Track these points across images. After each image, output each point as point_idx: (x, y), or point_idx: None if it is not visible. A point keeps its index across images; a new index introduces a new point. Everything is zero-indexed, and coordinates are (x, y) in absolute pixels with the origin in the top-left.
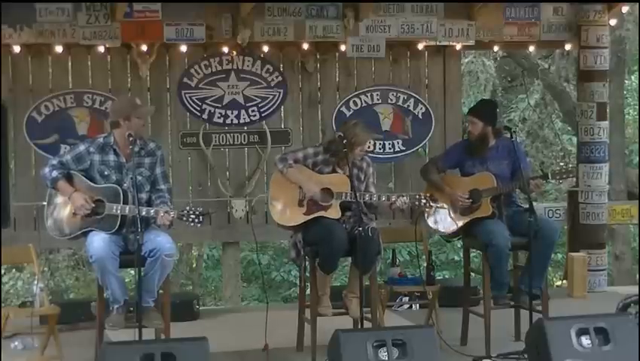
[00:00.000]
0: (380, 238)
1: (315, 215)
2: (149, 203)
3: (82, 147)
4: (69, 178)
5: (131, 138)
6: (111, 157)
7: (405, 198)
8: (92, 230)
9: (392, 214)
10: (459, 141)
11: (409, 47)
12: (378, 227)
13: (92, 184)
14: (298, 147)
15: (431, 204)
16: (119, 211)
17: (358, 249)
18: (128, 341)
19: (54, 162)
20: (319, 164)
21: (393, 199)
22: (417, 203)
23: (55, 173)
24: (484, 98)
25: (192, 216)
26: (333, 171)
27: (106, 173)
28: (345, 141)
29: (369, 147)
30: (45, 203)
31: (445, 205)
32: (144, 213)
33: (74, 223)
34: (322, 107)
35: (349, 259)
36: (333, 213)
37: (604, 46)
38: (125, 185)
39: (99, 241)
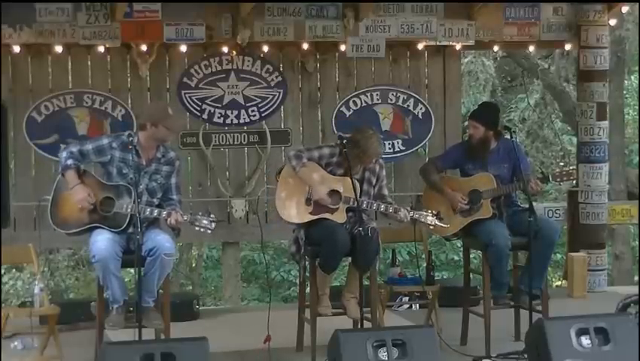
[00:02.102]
0: (379, 238)
1: (321, 216)
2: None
3: (105, 141)
4: (82, 172)
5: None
6: (131, 156)
7: (410, 213)
8: (98, 227)
9: None
10: (459, 142)
11: (409, 47)
12: (378, 227)
13: (103, 182)
14: (298, 146)
15: (436, 223)
16: (129, 210)
17: (357, 248)
18: (128, 341)
19: (74, 149)
20: (333, 165)
21: (398, 213)
22: (423, 220)
23: (70, 161)
24: (485, 101)
25: (204, 222)
26: (345, 173)
27: (124, 171)
28: (354, 147)
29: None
30: (49, 196)
31: (449, 225)
32: (155, 213)
33: (80, 218)
34: (322, 107)
35: (348, 258)
36: (339, 217)
37: (604, 46)
38: (141, 187)
39: (102, 241)
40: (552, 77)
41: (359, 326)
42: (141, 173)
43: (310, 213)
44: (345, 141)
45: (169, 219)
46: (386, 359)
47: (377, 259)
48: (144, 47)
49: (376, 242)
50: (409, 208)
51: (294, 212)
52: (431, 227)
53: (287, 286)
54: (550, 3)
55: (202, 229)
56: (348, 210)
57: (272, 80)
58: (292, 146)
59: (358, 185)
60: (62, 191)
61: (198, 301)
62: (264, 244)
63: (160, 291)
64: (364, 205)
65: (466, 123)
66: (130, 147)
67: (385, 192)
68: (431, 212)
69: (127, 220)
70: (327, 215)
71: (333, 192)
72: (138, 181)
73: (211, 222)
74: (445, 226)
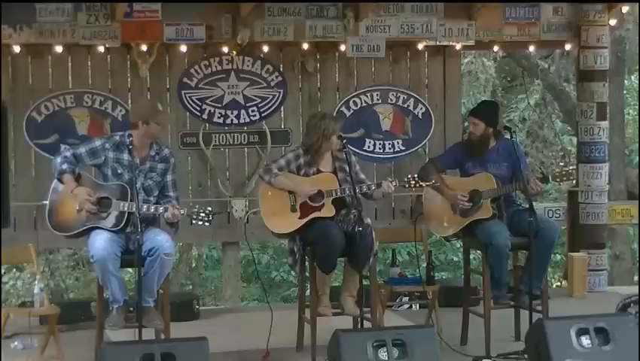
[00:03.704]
0: (374, 234)
1: (310, 217)
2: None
3: (98, 143)
4: (77, 175)
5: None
6: (125, 156)
7: (393, 182)
8: (95, 228)
9: (392, 214)
10: (459, 141)
11: (409, 47)
12: (378, 227)
13: (98, 182)
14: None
15: (421, 183)
16: (126, 208)
17: (353, 246)
18: (128, 341)
19: (67, 153)
20: (303, 167)
21: (381, 187)
22: (407, 185)
23: (65, 166)
24: (486, 99)
25: (202, 214)
26: (318, 170)
27: (119, 171)
28: (314, 132)
29: (342, 138)
30: (47, 201)
31: (432, 182)
32: (152, 210)
33: (78, 220)
34: (322, 107)
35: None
36: (328, 212)
37: (604, 46)
38: (137, 185)
39: (100, 241)
40: (552, 77)
41: (359, 325)
42: (136, 172)
43: (299, 218)
44: (303, 133)
45: (166, 214)
46: (386, 359)
47: (372, 256)
48: (144, 47)
49: (370, 237)
50: (390, 179)
51: (284, 223)
52: (413, 189)
53: (287, 286)
54: (550, 3)
55: (200, 222)
56: (341, 207)
57: (272, 80)
58: (292, 146)
59: (334, 175)
60: (60, 195)
61: (198, 301)
62: (264, 244)
63: (160, 291)
64: (347, 191)
65: (466, 124)
66: (130, 146)
67: (363, 176)
68: (412, 176)
69: (125, 219)
70: (316, 214)
71: (316, 192)
72: (134, 180)
73: (208, 214)
74: (429, 183)
